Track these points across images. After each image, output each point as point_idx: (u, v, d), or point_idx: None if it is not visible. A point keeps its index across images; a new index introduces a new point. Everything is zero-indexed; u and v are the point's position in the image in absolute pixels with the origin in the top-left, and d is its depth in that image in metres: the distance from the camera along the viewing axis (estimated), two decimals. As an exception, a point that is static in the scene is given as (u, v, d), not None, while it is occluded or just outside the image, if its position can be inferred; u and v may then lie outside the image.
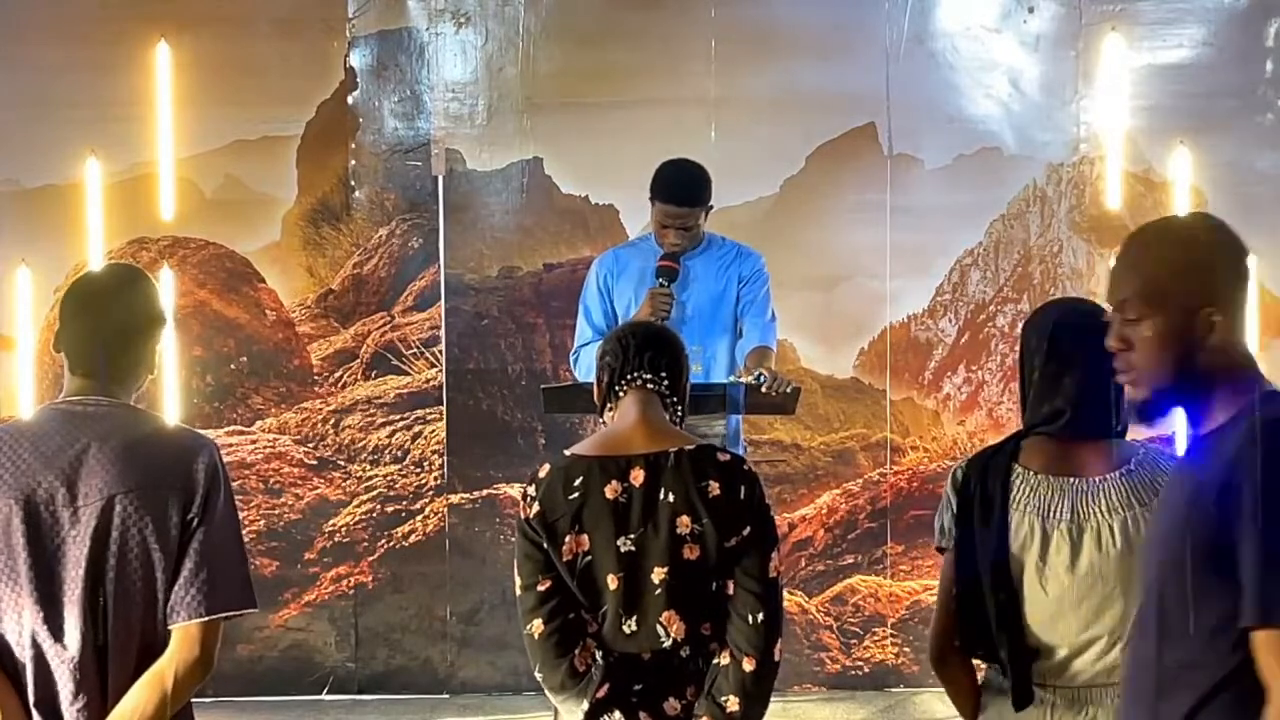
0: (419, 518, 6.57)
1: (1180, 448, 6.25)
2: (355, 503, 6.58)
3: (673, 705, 3.21)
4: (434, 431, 6.56)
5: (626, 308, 5.25)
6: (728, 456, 3.26)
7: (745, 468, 3.25)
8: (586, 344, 5.23)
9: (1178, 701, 2.37)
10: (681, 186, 5.15)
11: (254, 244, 6.58)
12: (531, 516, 3.24)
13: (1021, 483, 3.08)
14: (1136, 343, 2.47)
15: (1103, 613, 3.03)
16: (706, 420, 4.81)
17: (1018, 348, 3.25)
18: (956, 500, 3.14)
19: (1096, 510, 3.03)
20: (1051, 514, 3.04)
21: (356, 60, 6.55)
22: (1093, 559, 3.01)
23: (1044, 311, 3.25)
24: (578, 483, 3.22)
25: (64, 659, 2.92)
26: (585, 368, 5.19)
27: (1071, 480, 3.06)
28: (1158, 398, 2.49)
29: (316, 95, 6.55)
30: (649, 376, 3.34)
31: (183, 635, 2.94)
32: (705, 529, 3.17)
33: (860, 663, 6.55)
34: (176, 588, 2.93)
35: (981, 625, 3.07)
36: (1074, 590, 3.02)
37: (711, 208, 5.26)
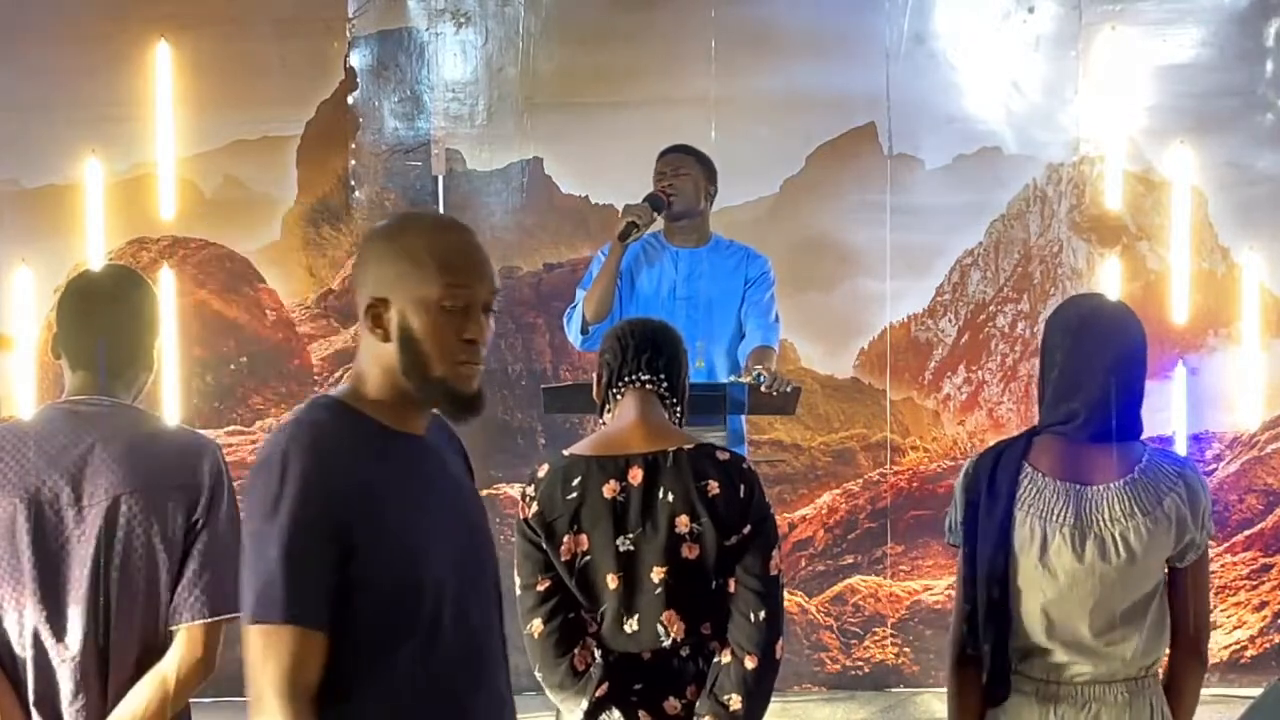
0: (419, 518, 6.56)
1: (1180, 448, 6.27)
2: (355, 503, 6.56)
3: (673, 704, 3.21)
4: (434, 431, 6.55)
5: (632, 283, 5.33)
6: (727, 455, 3.26)
7: (745, 467, 3.25)
8: (576, 306, 5.37)
9: None
10: (676, 144, 5.45)
11: (254, 244, 6.58)
12: (530, 516, 3.24)
13: (1029, 483, 3.07)
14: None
15: (1104, 615, 3.03)
16: (702, 431, 4.81)
17: (1036, 343, 3.23)
18: (965, 496, 3.14)
19: (1100, 519, 3.03)
20: (1054, 517, 3.04)
21: (356, 60, 6.55)
22: (1094, 564, 3.01)
23: (1069, 308, 3.21)
24: (576, 482, 3.23)
25: (65, 658, 2.92)
26: (575, 325, 5.32)
27: (1077, 486, 3.05)
28: None
29: (316, 95, 6.55)
30: (647, 377, 3.34)
31: (185, 636, 2.94)
32: (704, 528, 3.17)
33: (860, 663, 6.55)
34: (180, 589, 2.94)
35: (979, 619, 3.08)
36: (1074, 591, 3.03)
37: (714, 194, 5.38)
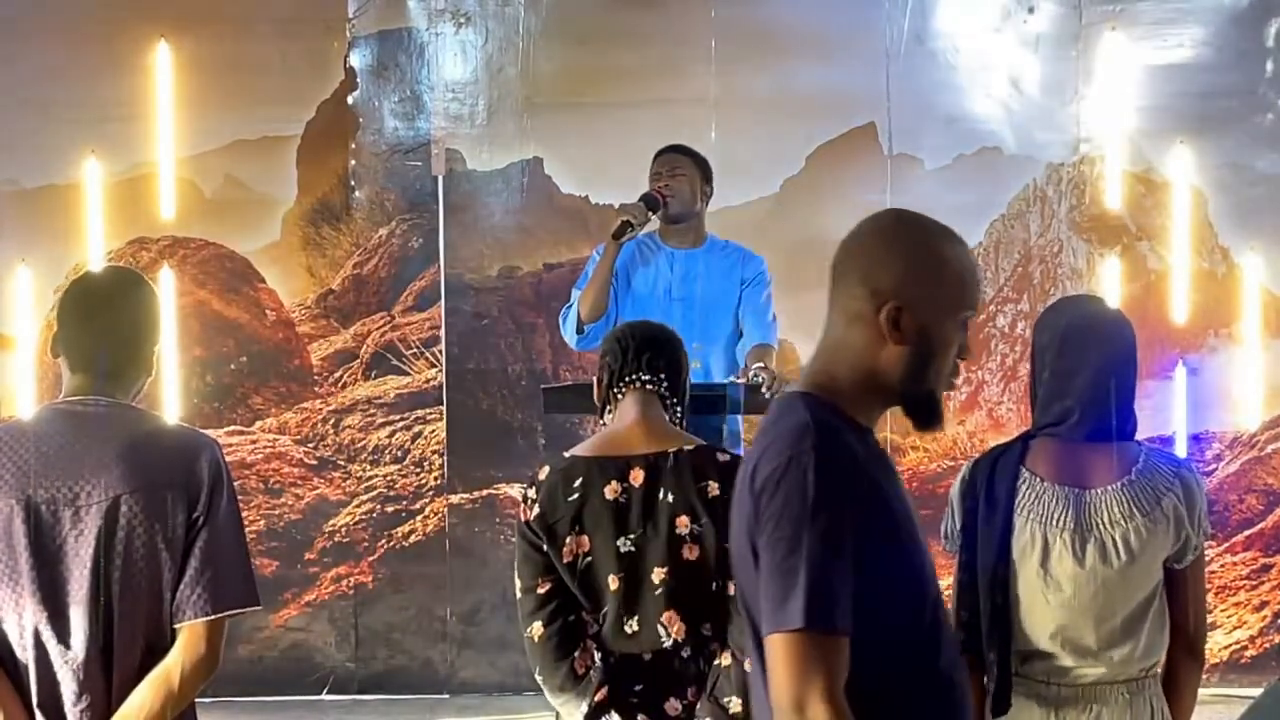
0: (419, 518, 6.57)
1: (1180, 448, 6.27)
2: (355, 503, 6.58)
3: (674, 706, 3.21)
4: (434, 431, 6.56)
5: (628, 284, 5.33)
6: (727, 457, 3.27)
7: (745, 468, 3.25)
8: (572, 306, 5.36)
9: None
10: (672, 144, 5.42)
11: (254, 244, 6.58)
12: (531, 519, 3.24)
13: (1027, 488, 3.07)
14: None
15: (1107, 618, 3.03)
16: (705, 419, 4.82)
17: (1029, 345, 3.24)
18: (963, 502, 3.14)
19: (1099, 522, 3.03)
20: (1054, 522, 3.04)
21: (356, 60, 6.56)
22: (1095, 568, 3.02)
23: (1057, 309, 3.24)
24: (577, 484, 3.23)
25: (67, 660, 2.92)
26: (570, 324, 5.30)
27: (1076, 490, 3.05)
28: None
29: (316, 95, 6.55)
30: (648, 377, 3.34)
31: (189, 634, 2.93)
32: (705, 529, 3.17)
33: (860, 663, 6.55)
34: (182, 587, 2.93)
35: (977, 626, 3.08)
36: (1077, 597, 3.03)
37: (709, 194, 5.36)
